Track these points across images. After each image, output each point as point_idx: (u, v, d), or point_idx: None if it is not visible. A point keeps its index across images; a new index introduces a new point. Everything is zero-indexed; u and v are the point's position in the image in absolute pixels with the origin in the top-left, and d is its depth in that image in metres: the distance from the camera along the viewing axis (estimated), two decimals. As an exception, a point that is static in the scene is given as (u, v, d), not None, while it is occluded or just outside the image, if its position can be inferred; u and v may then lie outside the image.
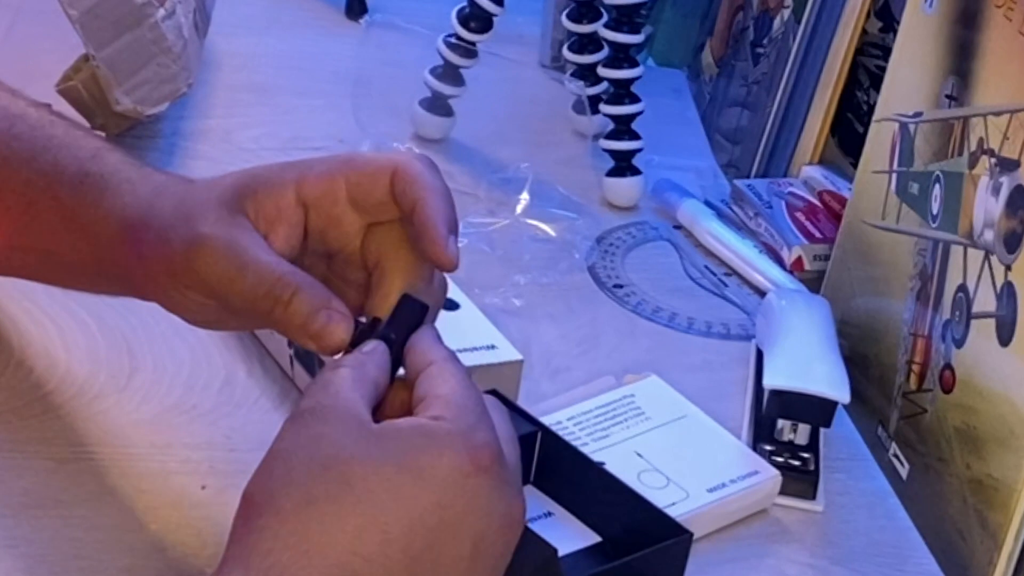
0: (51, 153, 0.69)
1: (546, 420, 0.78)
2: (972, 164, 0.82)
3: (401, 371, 0.62)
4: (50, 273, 0.74)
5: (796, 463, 0.82)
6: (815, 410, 0.82)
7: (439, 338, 0.62)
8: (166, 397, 0.81)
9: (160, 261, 0.64)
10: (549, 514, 0.75)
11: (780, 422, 0.83)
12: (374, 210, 0.65)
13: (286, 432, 0.56)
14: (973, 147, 0.82)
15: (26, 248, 0.72)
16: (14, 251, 0.73)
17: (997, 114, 0.80)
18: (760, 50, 1.17)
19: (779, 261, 1.03)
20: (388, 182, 0.64)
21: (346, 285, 0.66)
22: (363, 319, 0.64)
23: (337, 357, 0.61)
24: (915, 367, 0.85)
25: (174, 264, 0.63)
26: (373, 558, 0.53)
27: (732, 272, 1.04)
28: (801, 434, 0.83)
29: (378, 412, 0.59)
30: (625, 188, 1.10)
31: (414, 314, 0.63)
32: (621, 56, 1.09)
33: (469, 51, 1.10)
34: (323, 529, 0.53)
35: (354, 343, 0.62)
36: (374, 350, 0.60)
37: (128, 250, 0.66)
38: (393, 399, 0.60)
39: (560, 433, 0.77)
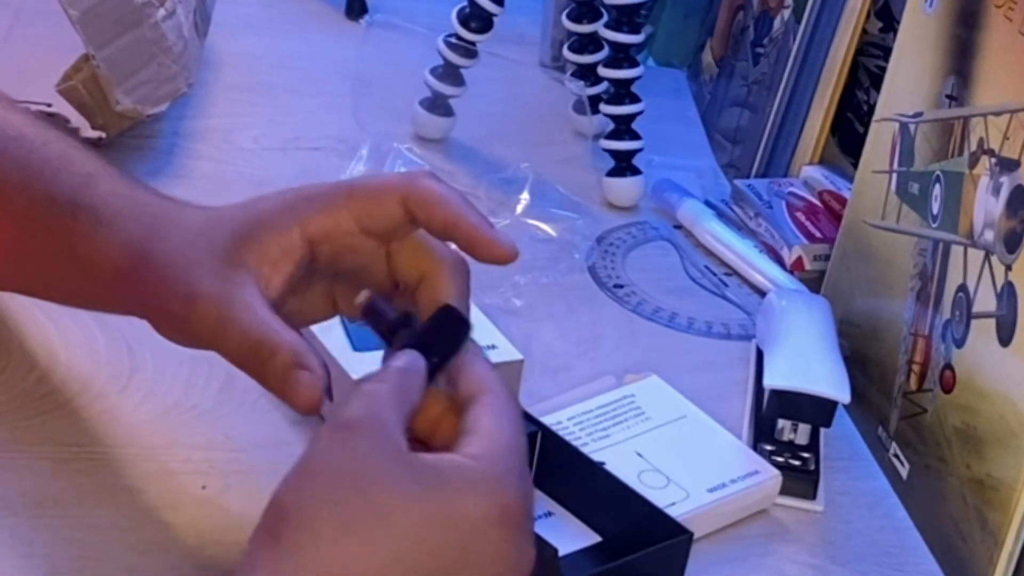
0: (45, 180, 0.69)
1: (546, 420, 0.78)
2: (972, 164, 0.82)
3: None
4: (50, 295, 0.75)
5: (796, 463, 0.82)
6: (815, 410, 0.82)
7: (490, 364, 0.62)
8: (166, 397, 0.81)
9: (158, 306, 0.65)
10: (549, 514, 0.75)
11: (780, 422, 0.83)
12: (389, 235, 0.65)
13: (324, 442, 0.56)
14: (973, 147, 0.82)
15: (24, 273, 0.72)
16: (12, 275, 0.73)
17: (997, 114, 0.80)
18: (760, 50, 1.17)
19: (779, 261, 1.03)
20: (398, 207, 0.64)
21: (359, 288, 0.65)
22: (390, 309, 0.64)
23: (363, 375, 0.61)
24: (915, 367, 0.85)
25: (170, 313, 0.64)
26: None
27: (732, 272, 1.04)
28: (801, 434, 0.83)
29: (413, 423, 0.59)
30: (625, 188, 1.10)
31: (457, 329, 0.63)
32: (621, 56, 1.09)
33: (469, 51, 1.10)
34: (353, 558, 0.53)
35: (388, 332, 0.63)
36: (414, 367, 0.60)
37: (128, 288, 0.66)
38: (430, 410, 0.60)
39: (560, 433, 0.77)
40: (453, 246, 0.66)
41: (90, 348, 0.83)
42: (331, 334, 0.78)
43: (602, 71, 1.10)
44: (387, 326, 0.63)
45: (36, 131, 0.72)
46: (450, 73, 1.12)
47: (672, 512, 0.73)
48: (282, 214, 0.64)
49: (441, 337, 0.62)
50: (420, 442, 0.60)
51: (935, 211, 0.86)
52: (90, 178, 0.69)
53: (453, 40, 1.10)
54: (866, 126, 0.98)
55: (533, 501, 0.59)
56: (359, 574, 0.53)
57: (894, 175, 0.92)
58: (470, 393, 0.60)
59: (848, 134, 1.10)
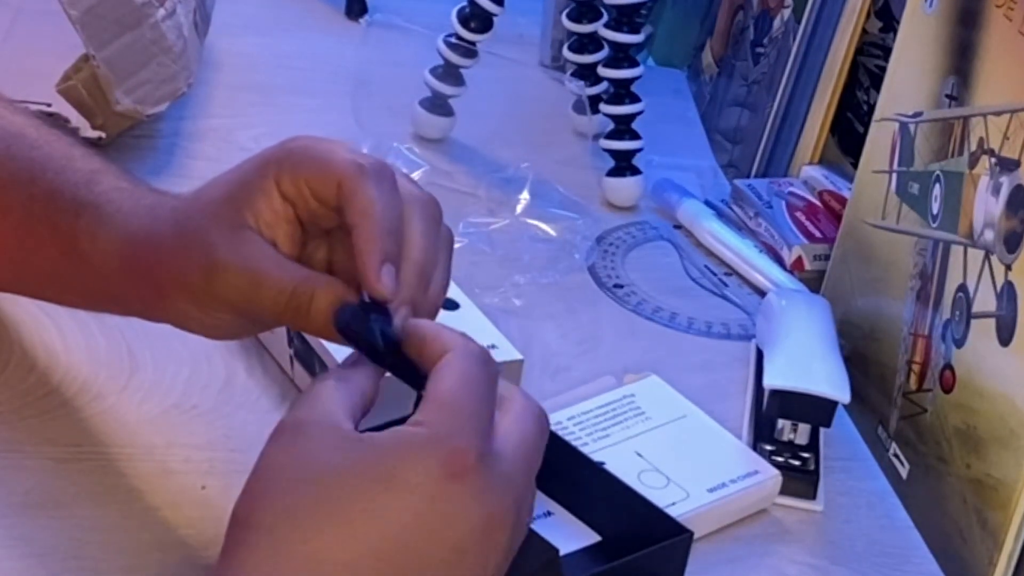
0: (47, 178, 0.69)
1: (546, 420, 0.78)
2: (972, 164, 0.82)
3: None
4: (56, 295, 0.74)
5: (796, 463, 0.82)
6: (815, 410, 0.82)
7: (459, 332, 0.61)
8: (166, 397, 0.81)
9: (178, 288, 0.64)
10: (549, 514, 0.75)
11: (780, 422, 0.83)
12: (337, 210, 0.63)
13: (268, 449, 0.56)
14: (973, 147, 0.82)
15: (29, 271, 0.72)
16: (17, 275, 0.73)
17: (997, 114, 0.80)
18: (760, 50, 1.17)
19: (779, 261, 1.03)
20: (334, 191, 0.62)
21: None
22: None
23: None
24: (915, 367, 0.85)
25: (194, 291, 0.63)
26: (359, 569, 0.53)
27: (732, 272, 1.04)
28: (801, 434, 0.83)
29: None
30: (625, 188, 1.10)
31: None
32: (621, 56, 1.09)
33: (469, 51, 1.10)
34: (305, 542, 0.53)
35: (348, 324, 0.61)
36: (359, 360, 0.60)
37: (138, 281, 0.66)
38: None
39: (560, 433, 0.77)
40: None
41: (90, 348, 0.83)
42: None
43: (602, 71, 1.10)
44: (350, 314, 0.61)
45: (38, 131, 0.72)
46: (450, 73, 1.12)
47: (672, 512, 0.73)
48: (260, 175, 0.63)
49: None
50: None
51: (935, 211, 0.86)
52: (93, 175, 0.69)
53: (453, 40, 1.10)
54: (866, 126, 0.98)
55: (517, 455, 0.57)
56: (317, 556, 0.53)
57: (894, 175, 0.92)
58: (432, 362, 0.59)
59: (848, 134, 1.10)
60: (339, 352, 0.78)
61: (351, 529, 0.53)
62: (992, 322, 0.77)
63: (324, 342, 0.78)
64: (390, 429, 0.56)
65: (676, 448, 0.81)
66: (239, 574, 0.53)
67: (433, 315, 0.64)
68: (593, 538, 0.74)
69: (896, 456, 0.85)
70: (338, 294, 0.61)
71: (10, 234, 0.70)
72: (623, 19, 1.08)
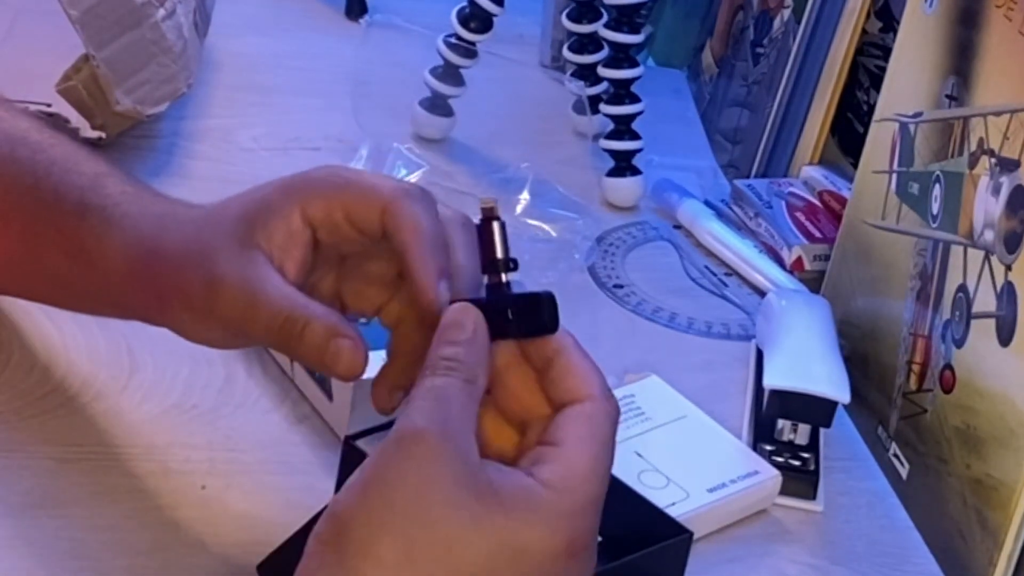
0: (52, 180, 0.69)
1: (546, 420, 0.78)
2: (972, 164, 0.82)
3: None
4: (59, 299, 0.74)
5: (796, 463, 0.82)
6: (815, 410, 0.82)
7: (597, 368, 0.59)
8: (166, 397, 0.81)
9: (178, 298, 0.64)
10: (549, 514, 0.75)
11: (780, 422, 0.83)
12: (376, 234, 0.63)
13: (391, 452, 0.54)
14: (973, 147, 0.82)
15: (34, 274, 0.72)
16: (23, 278, 0.73)
17: (997, 114, 0.80)
18: (760, 50, 1.17)
19: (779, 261, 1.03)
20: (378, 216, 0.62)
21: (366, 283, 0.65)
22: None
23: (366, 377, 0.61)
24: (915, 367, 0.85)
25: (193, 302, 0.63)
26: None
27: (732, 272, 1.04)
28: (801, 434, 0.83)
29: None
30: (625, 188, 1.10)
31: (542, 320, 0.59)
32: (621, 56, 1.09)
33: (469, 51, 1.10)
34: None
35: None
36: (481, 353, 0.58)
37: (141, 286, 0.66)
38: (511, 382, 0.58)
39: (560, 433, 0.77)
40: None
41: (90, 348, 0.83)
42: None
43: (602, 71, 1.10)
44: (489, 258, 0.60)
45: (41, 134, 0.72)
46: (450, 73, 1.12)
47: (672, 512, 0.73)
48: (283, 198, 0.64)
49: (523, 320, 0.59)
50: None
51: (935, 211, 0.86)
52: (98, 178, 0.69)
53: (453, 40, 1.10)
54: (866, 126, 0.98)
55: (598, 525, 0.57)
56: None
57: (894, 175, 0.92)
58: (568, 396, 0.58)
59: (848, 134, 1.10)
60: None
61: None
62: (992, 322, 0.77)
63: None
64: (517, 479, 0.54)
65: (676, 448, 0.81)
66: None
67: (476, 290, 0.63)
68: (593, 538, 0.74)
69: (896, 456, 0.85)
70: (334, 327, 0.61)
71: (15, 238, 0.70)
72: (623, 19, 1.08)
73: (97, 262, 0.67)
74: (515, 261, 0.60)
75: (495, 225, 0.60)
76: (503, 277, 0.60)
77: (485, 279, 0.61)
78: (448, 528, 0.53)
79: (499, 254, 0.60)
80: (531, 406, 0.59)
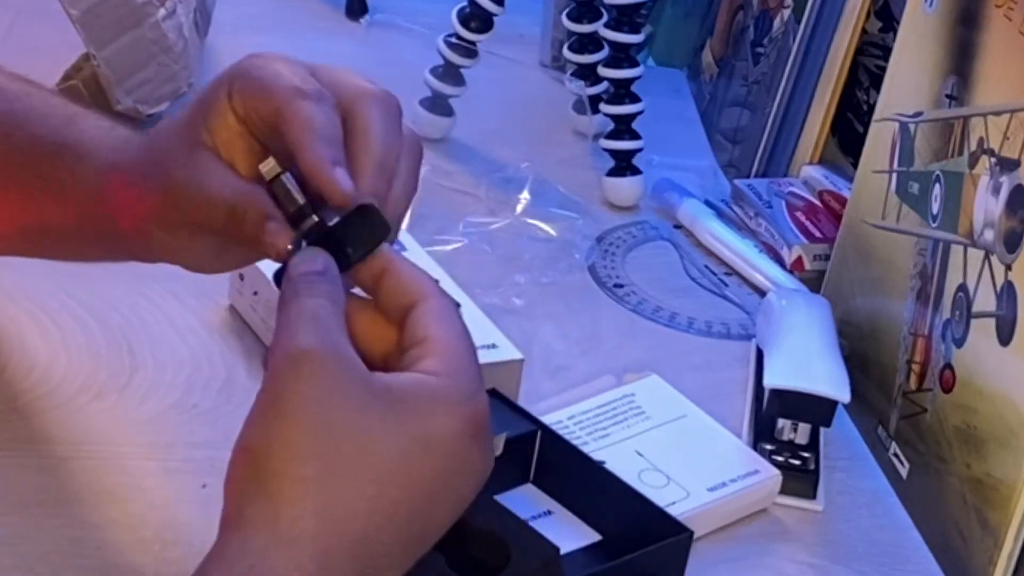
0: (29, 126, 0.70)
1: (546, 419, 0.78)
2: (972, 164, 0.82)
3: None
4: (40, 244, 0.74)
5: (796, 462, 0.82)
6: (815, 409, 0.82)
7: (420, 269, 0.61)
8: (166, 397, 0.81)
9: (143, 208, 0.65)
10: (549, 513, 0.75)
11: (780, 421, 0.83)
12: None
13: (284, 376, 0.55)
14: (973, 147, 0.82)
15: (12, 221, 0.72)
16: (15, 231, 0.73)
17: (997, 114, 0.80)
18: (760, 50, 1.17)
19: (779, 261, 1.03)
20: (271, 114, 0.62)
21: None
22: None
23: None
24: (915, 367, 0.85)
25: (160, 215, 0.64)
26: (383, 525, 0.54)
27: (732, 272, 1.04)
28: (801, 433, 0.83)
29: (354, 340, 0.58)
30: (625, 188, 1.10)
31: (373, 229, 0.60)
32: (621, 56, 1.09)
33: (469, 51, 1.10)
34: (344, 501, 0.53)
35: (293, 218, 0.60)
36: (333, 272, 0.59)
37: (111, 205, 0.67)
38: (365, 324, 0.59)
39: (560, 432, 0.77)
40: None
41: (90, 348, 0.83)
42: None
43: (602, 71, 1.10)
44: (293, 210, 0.61)
45: (18, 85, 0.73)
46: (450, 73, 1.12)
47: (672, 511, 0.73)
48: (218, 94, 0.64)
49: (355, 236, 0.60)
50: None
51: (935, 211, 0.86)
52: (72, 118, 0.70)
53: (453, 40, 1.10)
54: (866, 126, 0.98)
55: (488, 402, 0.58)
56: (355, 515, 0.53)
57: (894, 175, 0.92)
58: (407, 300, 0.59)
59: (848, 134, 1.10)
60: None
61: (387, 490, 0.54)
62: (992, 322, 0.77)
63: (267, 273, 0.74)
64: (409, 377, 0.56)
65: (676, 447, 0.81)
66: (281, 525, 0.53)
67: (398, 222, 0.63)
68: (593, 537, 0.74)
69: (896, 456, 0.85)
70: (263, 209, 0.61)
71: None
72: (623, 19, 1.08)
73: (71, 192, 0.68)
74: (314, 204, 0.61)
75: (283, 179, 0.61)
76: (314, 217, 0.60)
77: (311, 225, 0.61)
78: (359, 434, 0.54)
79: (301, 200, 0.60)
80: (380, 337, 0.59)
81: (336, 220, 0.60)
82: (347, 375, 0.55)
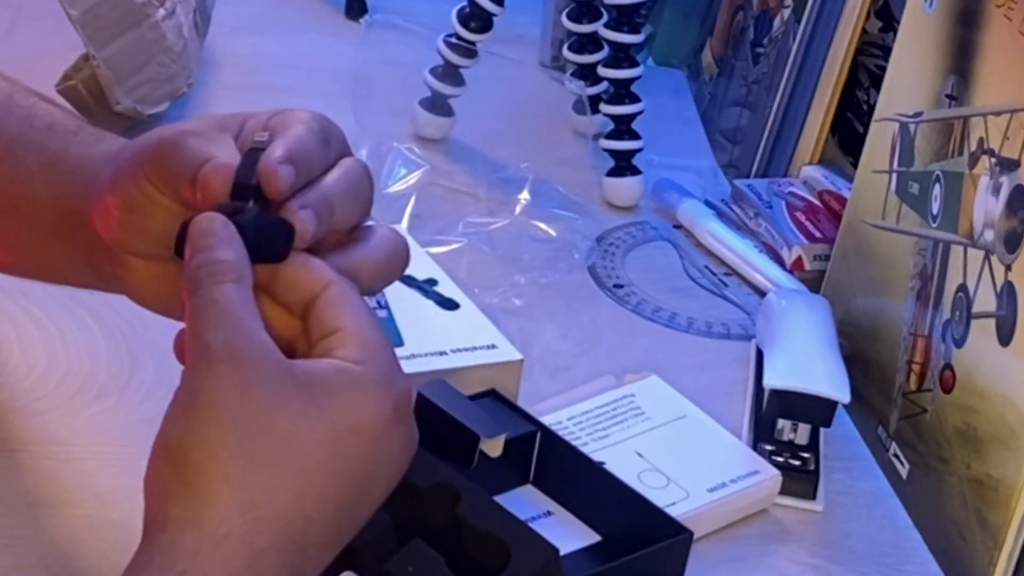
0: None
1: (546, 420, 0.78)
2: (972, 164, 0.82)
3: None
4: (44, 271, 0.72)
5: (796, 463, 0.82)
6: (815, 410, 0.82)
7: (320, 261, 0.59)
8: (166, 397, 0.80)
9: (95, 241, 0.63)
10: (549, 513, 0.75)
11: (780, 422, 0.83)
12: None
13: (204, 377, 0.54)
14: (973, 147, 0.82)
15: (20, 253, 0.71)
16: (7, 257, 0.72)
17: (997, 114, 0.80)
18: (760, 50, 1.17)
19: (779, 261, 1.03)
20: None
21: None
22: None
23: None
24: (915, 367, 0.85)
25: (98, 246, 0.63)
26: (312, 515, 0.54)
27: (732, 272, 1.04)
28: (801, 434, 0.83)
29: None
30: (625, 188, 1.10)
31: (280, 233, 0.58)
32: (621, 56, 1.09)
33: (469, 51, 1.10)
34: (269, 494, 0.53)
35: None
36: (243, 257, 0.57)
37: (70, 236, 0.65)
38: (269, 313, 0.58)
39: (560, 433, 0.77)
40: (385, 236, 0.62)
41: (90, 348, 0.83)
42: None
43: (602, 71, 1.10)
44: (243, 183, 0.59)
45: None
46: (450, 73, 1.12)
47: (672, 512, 0.73)
48: (132, 182, 0.64)
49: (271, 237, 0.58)
50: None
51: (935, 211, 0.86)
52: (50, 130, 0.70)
53: (453, 40, 1.10)
54: (866, 126, 0.98)
55: (409, 384, 0.58)
56: (282, 507, 0.53)
57: (894, 175, 0.92)
58: (308, 290, 0.57)
59: (848, 134, 1.10)
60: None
61: (314, 480, 0.54)
62: (992, 322, 0.77)
63: None
64: (328, 365, 0.55)
65: (676, 448, 0.81)
66: (207, 525, 0.52)
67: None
68: (593, 538, 0.74)
69: (896, 456, 0.85)
70: (205, 155, 0.61)
71: None
72: (623, 19, 1.08)
73: (54, 179, 0.67)
74: (258, 189, 0.59)
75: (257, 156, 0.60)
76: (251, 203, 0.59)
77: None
78: (283, 427, 0.53)
79: (252, 181, 0.59)
80: (286, 326, 0.58)
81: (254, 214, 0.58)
82: (266, 367, 0.54)
